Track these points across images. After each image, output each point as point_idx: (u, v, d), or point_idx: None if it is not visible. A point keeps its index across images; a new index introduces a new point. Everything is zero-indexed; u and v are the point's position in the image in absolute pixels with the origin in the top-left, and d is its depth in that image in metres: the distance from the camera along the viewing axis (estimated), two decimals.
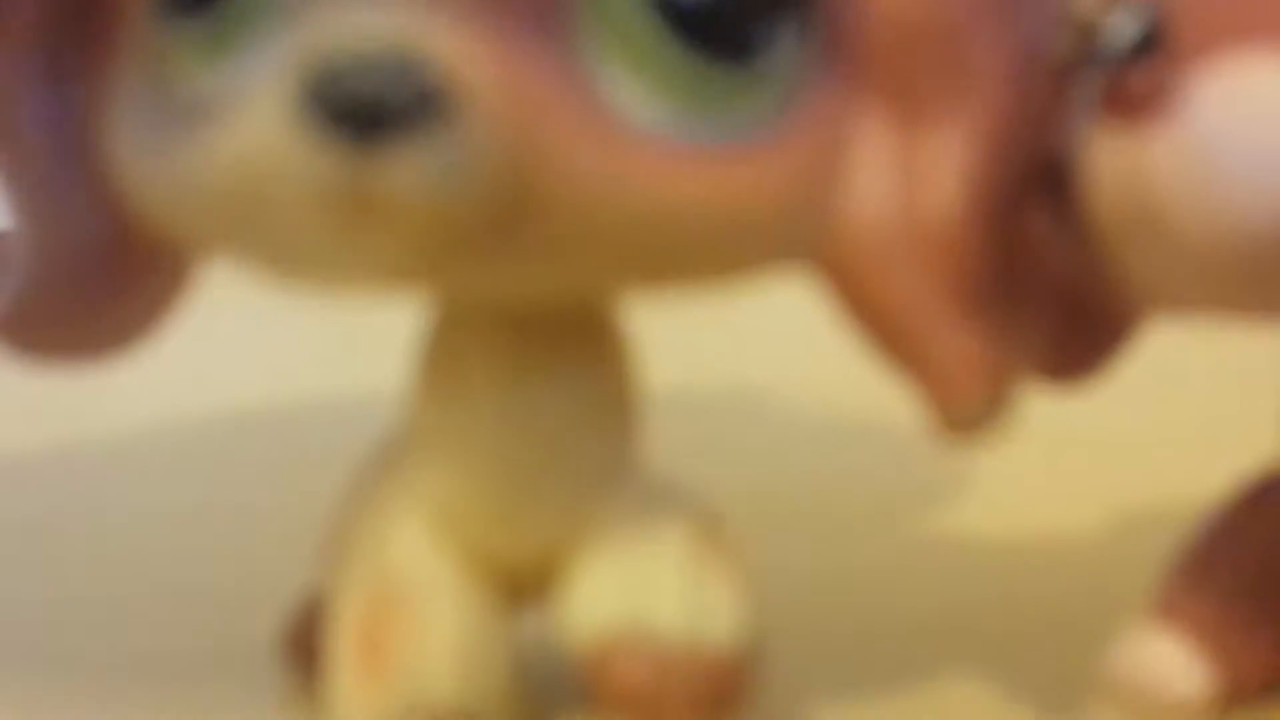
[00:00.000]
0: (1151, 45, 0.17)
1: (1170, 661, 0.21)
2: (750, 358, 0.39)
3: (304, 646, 0.21)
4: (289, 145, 0.15)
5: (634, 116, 0.16)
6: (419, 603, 0.18)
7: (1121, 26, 0.18)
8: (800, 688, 0.23)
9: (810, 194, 0.17)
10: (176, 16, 0.16)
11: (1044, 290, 0.20)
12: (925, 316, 0.18)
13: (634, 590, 0.18)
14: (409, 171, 0.14)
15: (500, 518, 0.19)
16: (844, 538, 0.32)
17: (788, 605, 0.27)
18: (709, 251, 0.17)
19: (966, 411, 0.19)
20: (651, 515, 0.19)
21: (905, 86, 0.18)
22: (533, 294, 0.18)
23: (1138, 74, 0.17)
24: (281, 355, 0.49)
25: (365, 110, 0.14)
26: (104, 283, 0.19)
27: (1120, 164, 0.18)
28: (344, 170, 0.14)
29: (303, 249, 0.16)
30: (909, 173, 0.18)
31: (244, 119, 0.15)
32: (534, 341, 0.19)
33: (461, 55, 0.14)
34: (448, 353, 0.19)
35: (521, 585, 0.19)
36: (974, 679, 0.24)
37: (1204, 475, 0.24)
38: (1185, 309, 0.19)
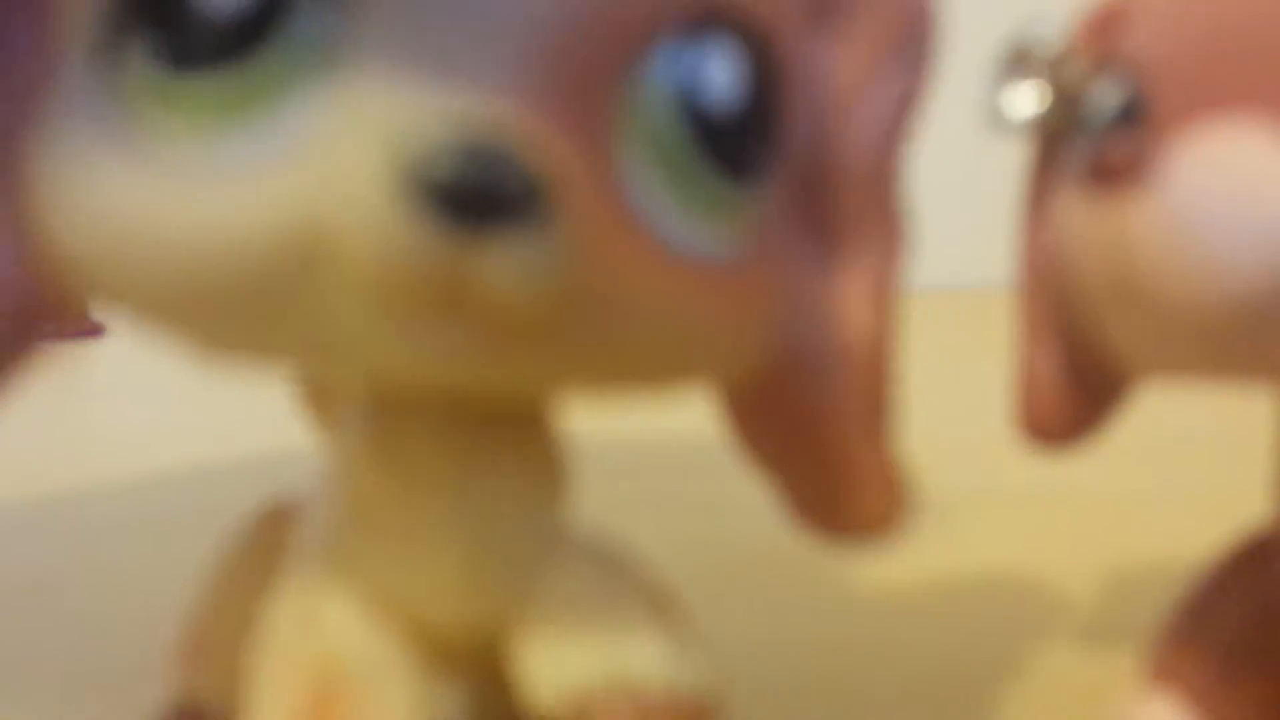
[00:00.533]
0: (1132, 115, 0.18)
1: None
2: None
3: None
4: (378, 221, 0.14)
5: (660, 223, 0.16)
6: (366, 684, 0.18)
7: (1103, 97, 0.18)
8: None
9: (765, 311, 0.18)
10: (179, 67, 0.15)
11: None
12: (850, 425, 0.19)
13: (605, 646, 0.18)
14: (508, 264, 0.14)
15: (446, 597, 0.19)
16: (833, 594, 0.33)
17: (757, 656, 0.27)
18: (679, 357, 0.17)
19: (879, 514, 0.20)
20: (600, 576, 0.19)
21: (834, 220, 0.19)
22: (530, 388, 0.18)
23: (1119, 143, 0.18)
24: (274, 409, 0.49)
25: (474, 197, 0.14)
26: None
27: (1103, 232, 0.18)
28: (442, 255, 0.14)
29: (333, 329, 0.15)
30: (833, 298, 0.19)
31: (309, 187, 0.14)
32: (480, 427, 0.19)
33: (557, 148, 0.14)
34: (395, 441, 0.19)
35: (462, 663, 0.19)
36: None
37: (1194, 536, 0.24)
38: (1168, 374, 0.19)
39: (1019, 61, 0.19)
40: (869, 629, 0.31)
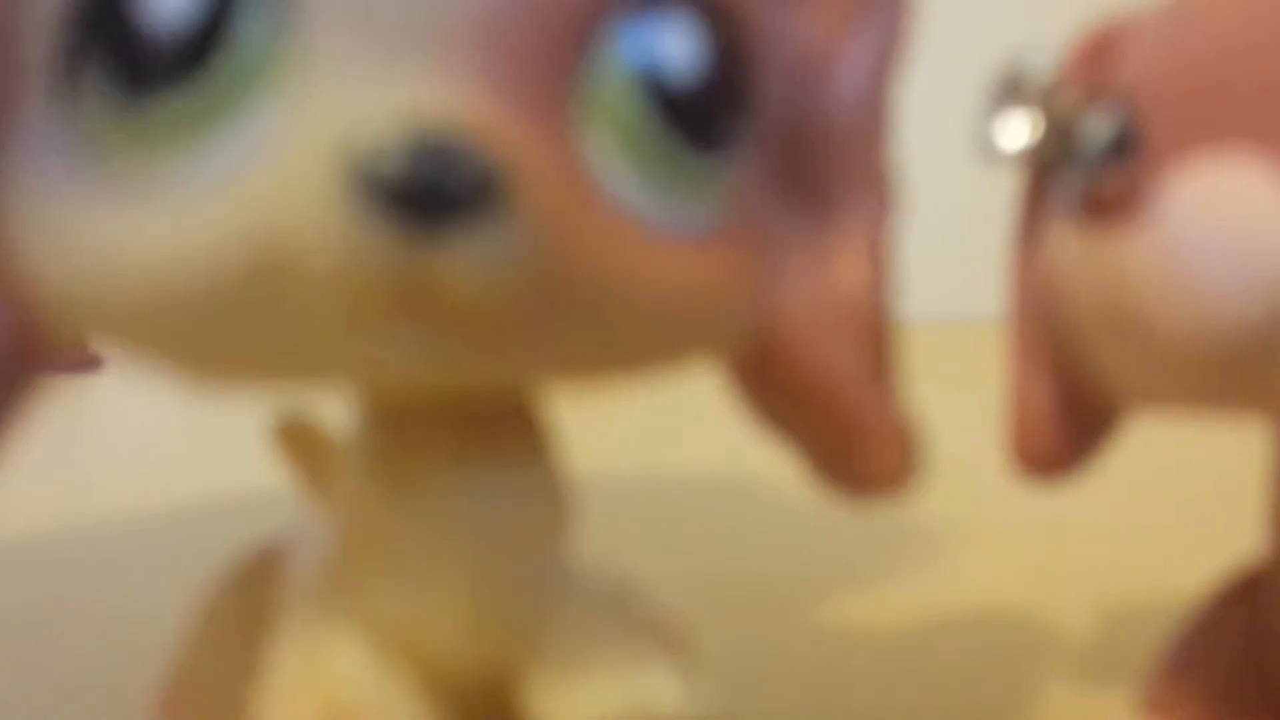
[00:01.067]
0: (1125, 147, 0.18)
1: None
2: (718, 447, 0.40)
3: None
4: (330, 228, 0.14)
5: (631, 202, 0.16)
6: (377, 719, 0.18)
7: (1096, 129, 0.18)
8: None
9: (751, 282, 0.18)
10: (131, 92, 0.15)
11: None
12: (856, 385, 0.19)
13: (617, 679, 0.18)
14: (467, 260, 0.14)
15: (453, 631, 0.19)
16: (822, 627, 0.33)
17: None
18: (667, 337, 0.17)
19: (893, 470, 0.20)
20: (608, 609, 0.19)
21: (821, 183, 0.19)
22: (514, 384, 0.18)
23: (1112, 176, 0.18)
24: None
25: (425, 195, 0.13)
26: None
27: (1097, 264, 0.18)
28: (396, 257, 0.14)
29: (305, 340, 0.15)
30: (825, 259, 0.19)
31: (262, 198, 0.14)
32: (485, 449, 0.19)
33: (511, 137, 0.14)
34: (398, 472, 0.19)
35: (469, 700, 0.19)
36: None
37: (1188, 570, 0.24)
38: (1162, 405, 0.20)
39: (1011, 91, 0.19)
40: (868, 660, 0.31)
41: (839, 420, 0.19)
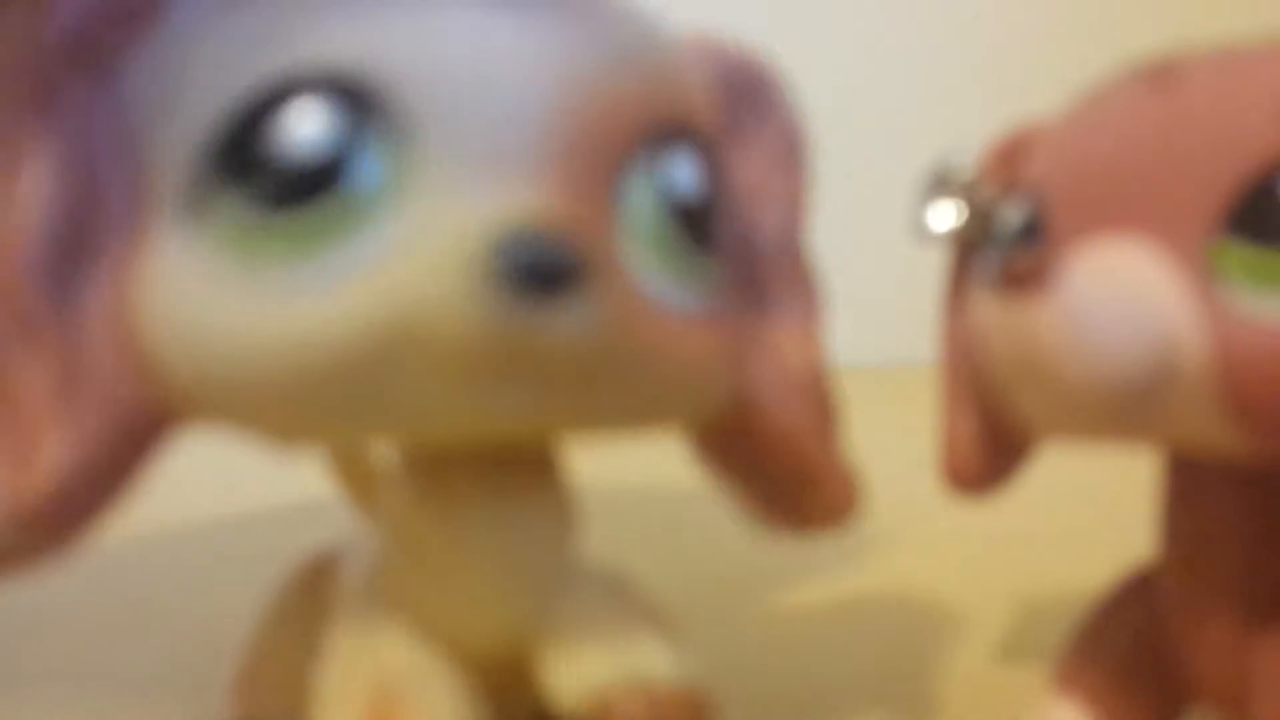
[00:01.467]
0: (1034, 232, 0.20)
1: None
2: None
3: None
4: (463, 304, 0.16)
5: (654, 288, 0.19)
6: (417, 697, 0.20)
7: (1010, 216, 0.20)
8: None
9: (732, 356, 0.21)
10: (270, 211, 0.17)
11: None
12: (811, 439, 0.22)
13: (617, 650, 0.20)
14: (565, 327, 0.16)
15: (484, 621, 0.21)
16: (798, 615, 0.35)
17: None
18: (679, 395, 0.20)
19: (842, 506, 0.23)
20: (607, 596, 0.21)
21: (763, 286, 0.23)
22: (566, 431, 0.20)
23: (1023, 255, 0.20)
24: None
25: (540, 275, 0.16)
26: (126, 460, 0.18)
27: (1011, 325, 0.20)
28: (515, 325, 0.16)
29: (423, 400, 0.17)
30: (774, 344, 0.22)
31: (401, 283, 0.16)
32: (509, 481, 0.21)
33: (585, 236, 0.17)
34: (438, 493, 0.20)
35: (492, 675, 0.21)
36: None
37: (1091, 569, 0.26)
38: (1066, 437, 0.21)
39: (939, 184, 0.21)
40: (825, 642, 0.33)
41: (800, 468, 0.22)
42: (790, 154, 0.23)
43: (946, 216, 0.21)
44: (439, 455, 0.21)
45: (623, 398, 0.19)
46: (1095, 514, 0.46)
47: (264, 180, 0.17)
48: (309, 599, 0.24)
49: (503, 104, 0.17)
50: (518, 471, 0.21)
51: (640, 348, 0.18)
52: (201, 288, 0.17)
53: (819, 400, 0.23)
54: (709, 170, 0.20)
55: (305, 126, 0.17)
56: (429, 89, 0.17)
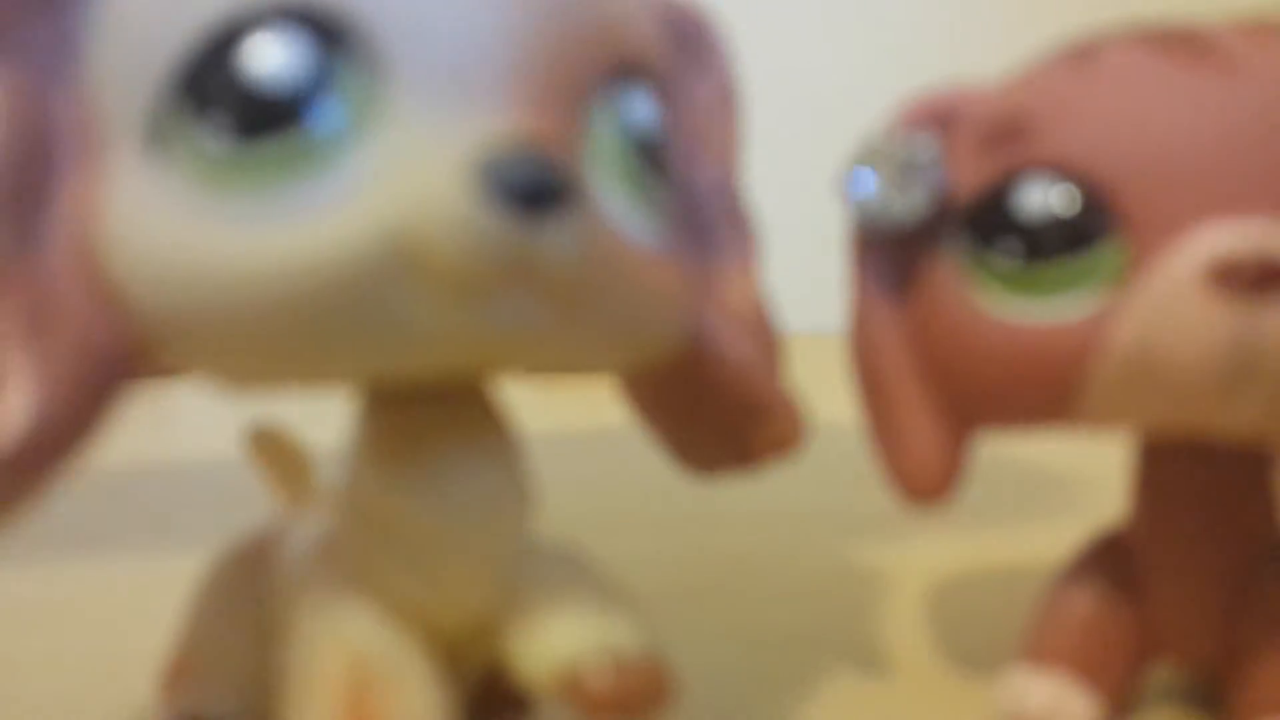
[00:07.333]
0: (1091, 213, 0.21)
1: (1050, 690, 0.24)
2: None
3: None
4: (461, 219, 0.16)
5: (618, 212, 0.19)
6: (391, 678, 0.20)
7: (921, 158, 0.22)
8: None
9: (688, 292, 0.22)
10: (245, 140, 0.17)
11: None
12: (759, 372, 0.23)
13: (583, 623, 0.21)
14: (558, 241, 0.17)
15: (450, 594, 0.21)
16: (781, 589, 0.35)
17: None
18: (648, 326, 0.21)
19: (789, 436, 0.24)
20: (568, 573, 0.22)
21: (704, 228, 0.23)
22: (555, 364, 0.20)
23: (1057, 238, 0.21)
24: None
25: (536, 192, 0.17)
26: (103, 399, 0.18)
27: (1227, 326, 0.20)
28: (511, 239, 0.17)
29: (414, 320, 0.17)
30: (719, 283, 0.23)
31: (398, 201, 0.17)
32: (472, 450, 0.21)
33: (566, 156, 0.18)
34: (403, 466, 0.21)
35: (459, 648, 0.21)
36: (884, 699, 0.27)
37: (1055, 543, 0.27)
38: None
39: (864, 153, 0.23)
40: (812, 614, 0.33)
41: (751, 401, 0.23)
42: (727, 102, 0.24)
43: (866, 183, 0.23)
44: (405, 432, 0.21)
45: (602, 322, 0.19)
46: (1064, 489, 0.45)
47: (233, 111, 0.17)
48: (246, 583, 0.24)
49: (471, 34, 0.18)
50: (482, 449, 0.21)
51: (617, 271, 0.19)
52: (173, 221, 0.17)
53: (764, 335, 0.24)
54: (662, 112, 0.21)
55: (274, 56, 0.17)
56: (397, 21, 0.18)
